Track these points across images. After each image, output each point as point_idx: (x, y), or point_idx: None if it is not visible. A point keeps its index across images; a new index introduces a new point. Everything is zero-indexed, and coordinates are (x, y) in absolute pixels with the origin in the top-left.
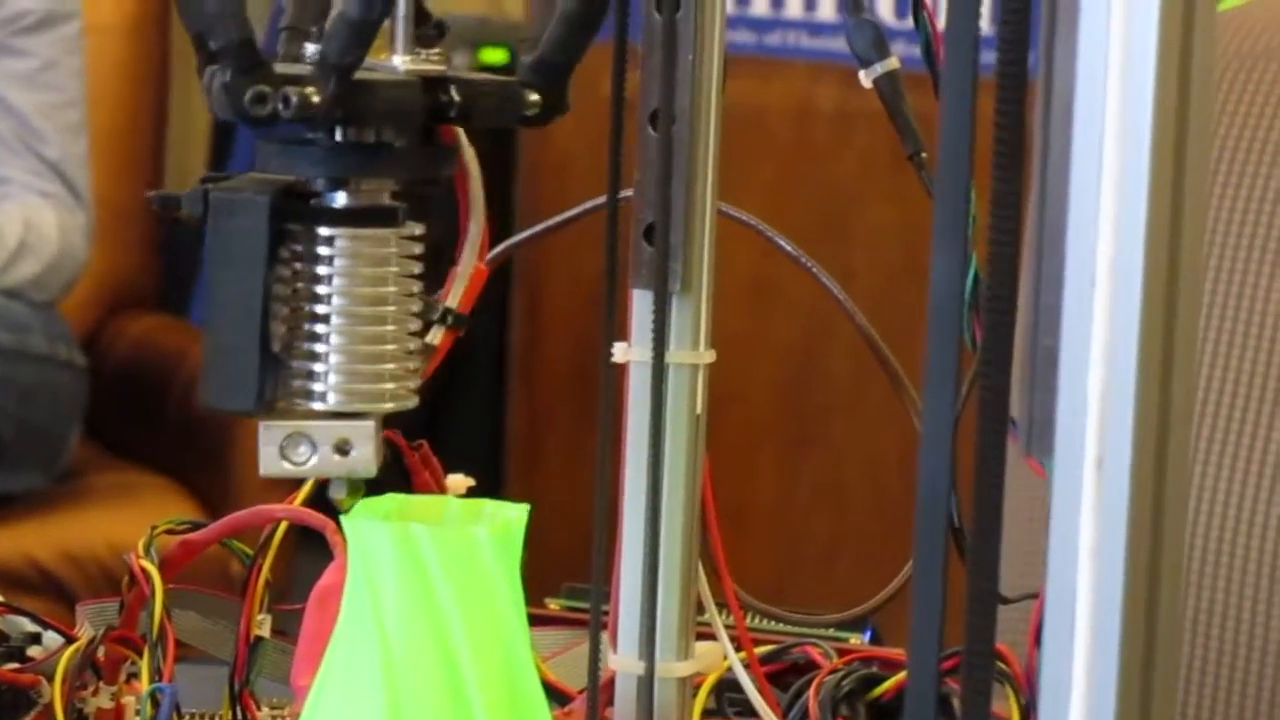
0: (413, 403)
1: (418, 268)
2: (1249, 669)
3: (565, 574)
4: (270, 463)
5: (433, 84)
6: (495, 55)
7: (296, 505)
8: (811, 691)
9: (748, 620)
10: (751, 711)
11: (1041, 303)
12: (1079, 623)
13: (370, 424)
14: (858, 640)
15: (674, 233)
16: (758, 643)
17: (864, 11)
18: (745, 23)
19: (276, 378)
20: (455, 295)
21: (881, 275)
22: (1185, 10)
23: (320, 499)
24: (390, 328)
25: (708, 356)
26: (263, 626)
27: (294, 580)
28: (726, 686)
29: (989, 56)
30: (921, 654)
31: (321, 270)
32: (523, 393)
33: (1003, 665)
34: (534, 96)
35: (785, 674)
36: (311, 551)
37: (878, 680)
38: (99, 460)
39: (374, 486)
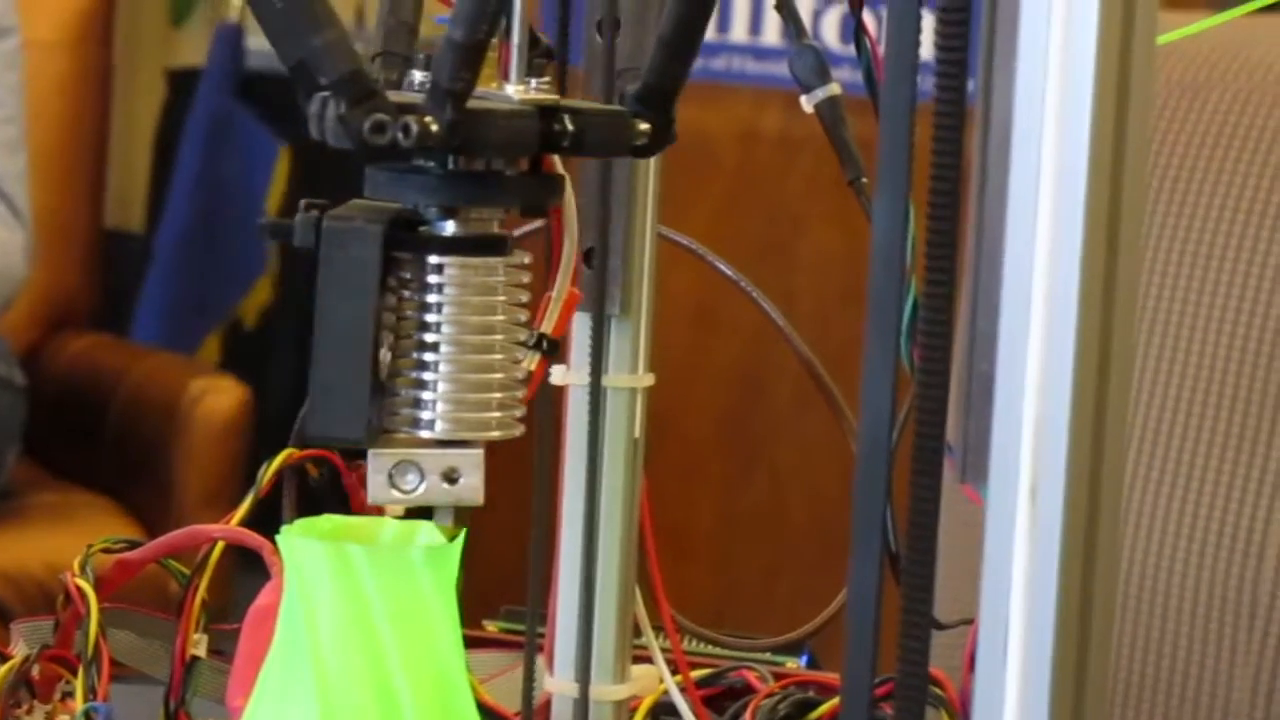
0: (519, 431)
1: (525, 296)
2: (1183, 694)
3: (502, 596)
4: (379, 491)
5: (546, 113)
6: None
7: (233, 525)
8: (747, 715)
9: (684, 644)
10: None
11: (978, 329)
12: (1012, 648)
13: (479, 452)
14: (794, 664)
15: (613, 256)
16: (694, 666)
17: (807, 37)
18: None
19: (382, 407)
20: (549, 320)
21: (824, 300)
22: (1123, 39)
23: (257, 519)
24: (497, 356)
25: (646, 380)
26: (199, 646)
27: (232, 601)
28: (662, 710)
29: (928, 83)
30: (856, 679)
31: (430, 299)
32: None
33: (938, 690)
34: (643, 126)
35: (721, 698)
36: (248, 571)
37: (814, 704)
38: (36, 479)
39: (312, 507)
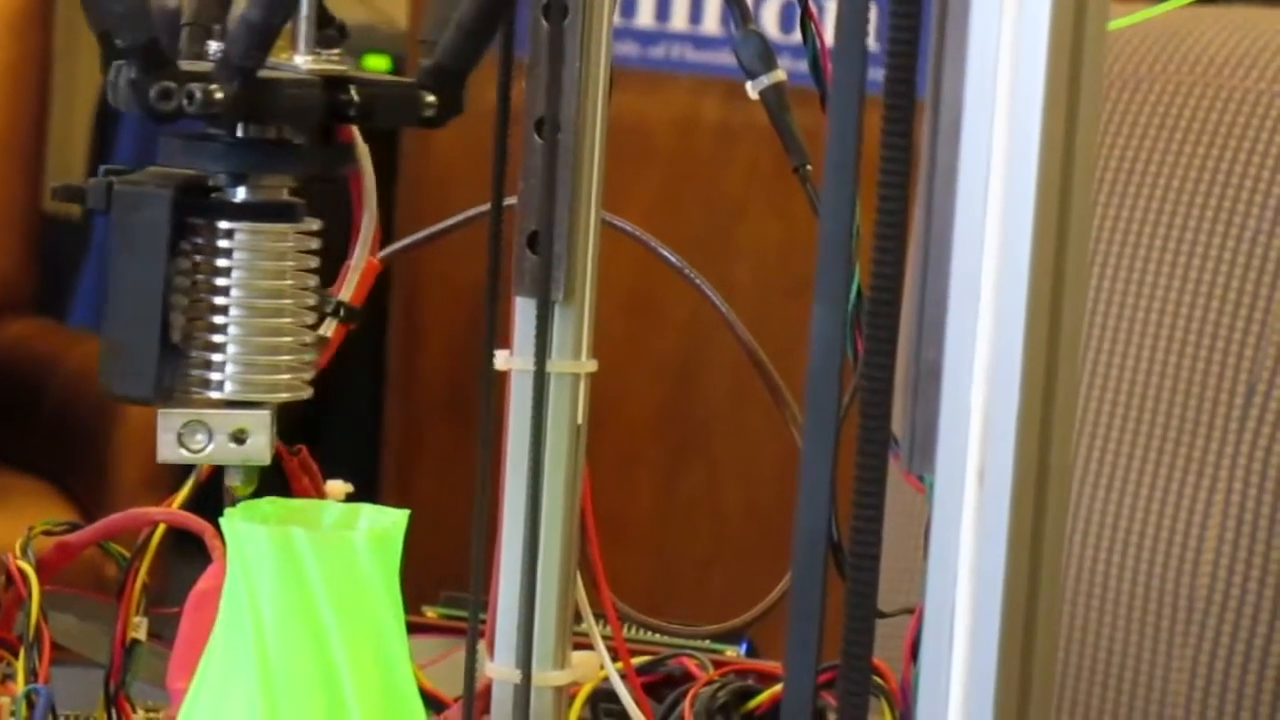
0: (307, 393)
1: (314, 262)
2: (1120, 681)
3: (441, 582)
4: (168, 449)
5: (333, 84)
6: (379, 63)
7: (174, 509)
8: (687, 703)
9: (624, 631)
10: None
11: (926, 317)
12: (957, 635)
13: (266, 413)
14: (734, 653)
15: (558, 241)
16: (634, 653)
17: (752, 23)
18: (630, 35)
19: (175, 367)
20: (348, 288)
21: (764, 289)
22: (1075, 29)
23: (198, 503)
24: (287, 320)
25: (590, 366)
26: (139, 629)
27: (169, 584)
28: (602, 697)
29: (876, 73)
30: (799, 667)
31: (221, 263)
32: (399, 400)
33: (879, 679)
34: (431, 98)
35: (661, 685)
36: (187, 555)
37: (753, 693)
38: None
39: (252, 491)
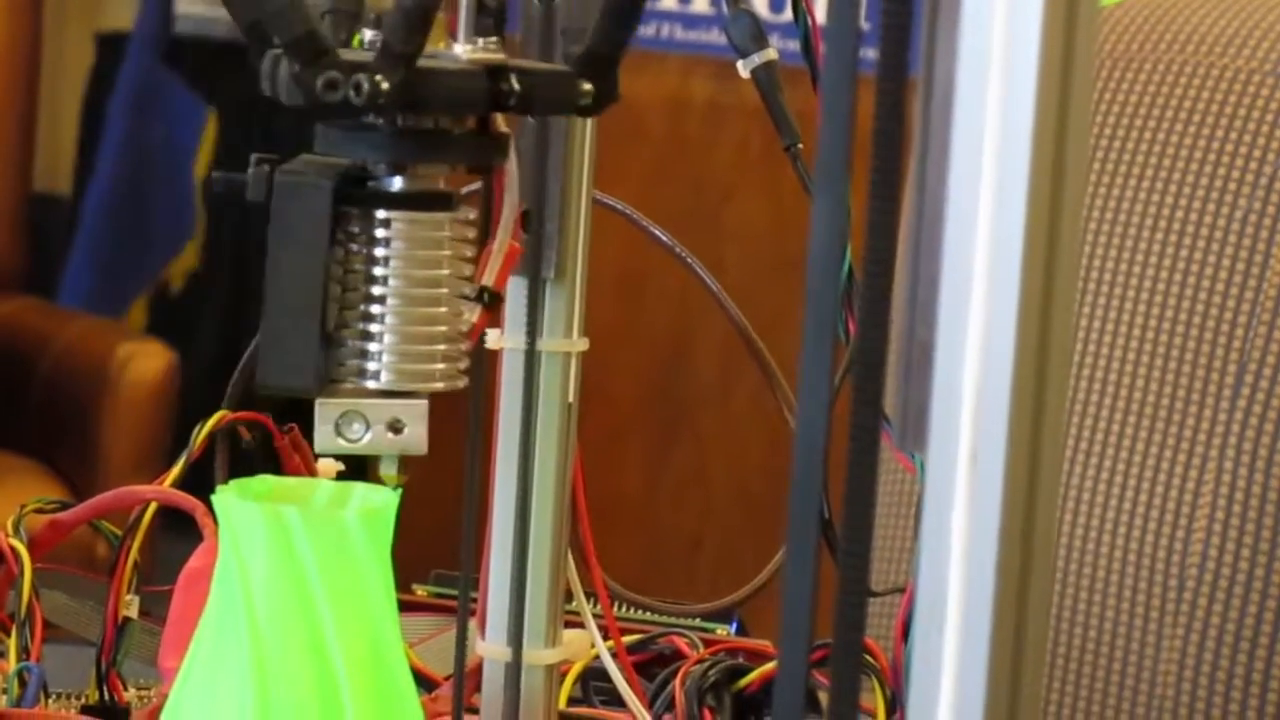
0: (462, 382)
1: (470, 251)
2: (1111, 660)
3: (430, 561)
4: (326, 440)
5: (494, 73)
6: None
7: (166, 487)
8: (677, 681)
9: (614, 610)
10: (617, 700)
11: (918, 297)
12: (949, 616)
13: (423, 403)
14: (724, 631)
15: (549, 220)
16: (624, 632)
17: (743, 2)
18: None
19: (331, 358)
20: (491, 273)
21: (751, 269)
22: (1068, 7)
23: (189, 482)
24: (442, 309)
25: (581, 345)
26: (130, 607)
27: (159, 561)
28: (593, 675)
29: (867, 53)
30: (792, 646)
31: (378, 252)
32: None
33: (869, 658)
34: (587, 86)
35: (651, 664)
36: (178, 533)
37: (743, 671)
38: None
39: (244, 470)
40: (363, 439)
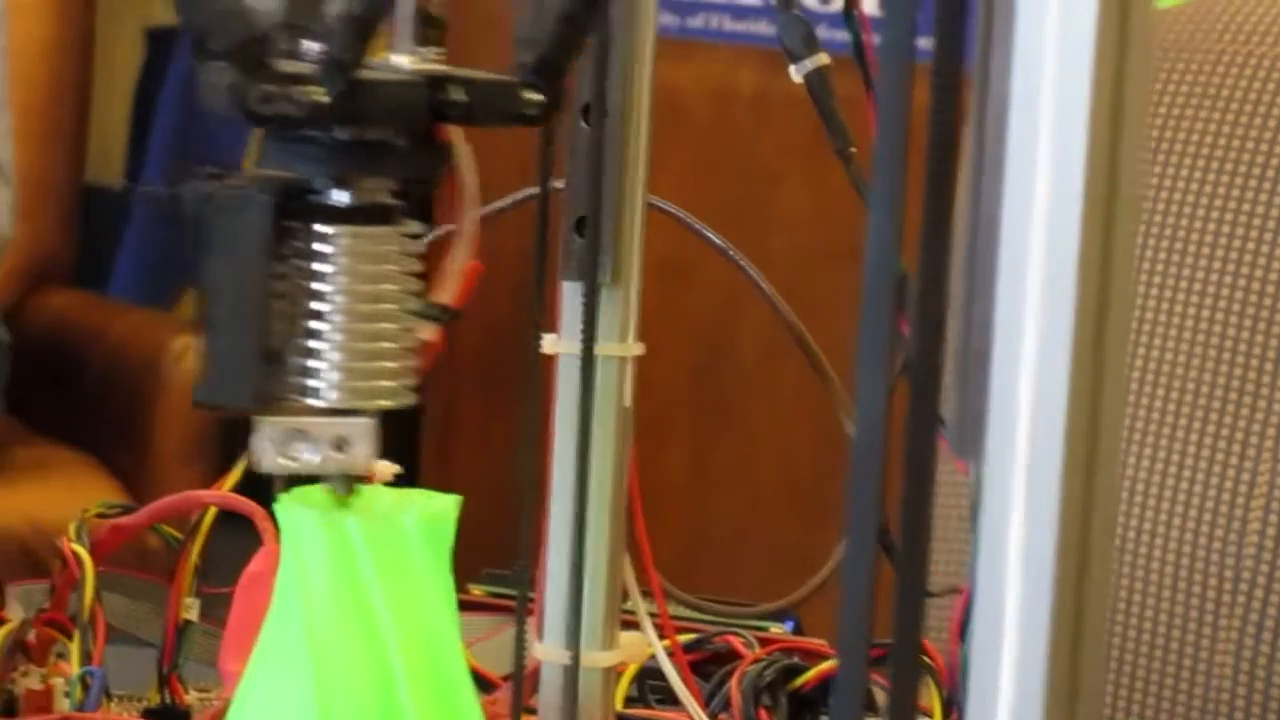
0: (410, 400)
1: (417, 266)
2: (1166, 654)
3: (482, 559)
4: (268, 459)
5: (436, 83)
6: None
7: (225, 491)
8: (734, 681)
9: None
10: (673, 699)
11: (973, 306)
12: (1008, 624)
13: (368, 421)
14: (779, 630)
15: (605, 226)
16: (679, 630)
17: (795, 7)
18: (668, 5)
19: (273, 375)
20: (449, 291)
21: (797, 258)
22: (1121, 8)
23: (243, 483)
24: (388, 325)
25: (636, 349)
26: (191, 610)
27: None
28: (648, 674)
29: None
30: (851, 646)
31: (321, 268)
32: (437, 379)
33: (925, 658)
34: (534, 96)
35: (706, 663)
36: (235, 533)
37: (799, 670)
38: (17, 435)
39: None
40: (306, 458)
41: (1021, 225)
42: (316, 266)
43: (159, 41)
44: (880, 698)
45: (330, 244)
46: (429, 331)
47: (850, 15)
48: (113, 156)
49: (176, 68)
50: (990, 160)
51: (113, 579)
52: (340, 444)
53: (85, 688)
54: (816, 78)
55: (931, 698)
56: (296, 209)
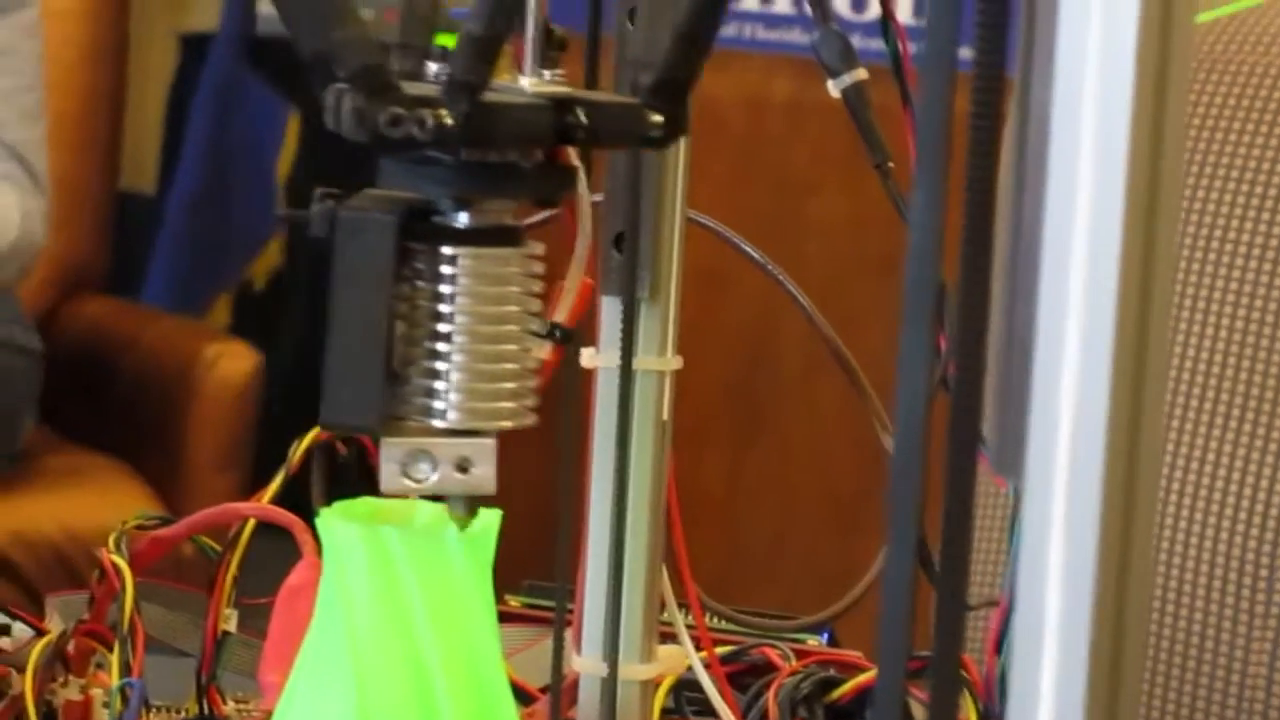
0: (532, 420)
1: (537, 286)
2: (1201, 656)
3: (523, 571)
4: (391, 480)
5: (560, 105)
6: (449, 40)
7: (264, 504)
8: (771, 693)
9: (705, 620)
10: (710, 711)
11: (1014, 318)
12: (1047, 639)
13: (491, 442)
14: (815, 642)
15: (644, 242)
16: (716, 643)
17: (832, 21)
18: None
19: (396, 395)
20: (563, 310)
21: (834, 266)
22: (1163, 22)
23: (283, 494)
24: (510, 346)
25: (675, 363)
26: (229, 622)
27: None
28: (685, 686)
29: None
30: (891, 658)
31: (444, 289)
32: None
33: (962, 672)
34: (657, 118)
35: (743, 675)
36: (273, 544)
37: (836, 683)
38: (51, 443)
39: (338, 483)
40: (429, 479)
41: (1064, 236)
42: (439, 288)
43: (193, 47)
44: (917, 711)
45: (453, 265)
46: (546, 350)
47: (887, 26)
48: (146, 163)
49: (210, 74)
50: (1032, 171)
51: (150, 589)
52: (463, 464)
53: (124, 699)
54: (855, 93)
55: (969, 711)
56: (419, 230)
